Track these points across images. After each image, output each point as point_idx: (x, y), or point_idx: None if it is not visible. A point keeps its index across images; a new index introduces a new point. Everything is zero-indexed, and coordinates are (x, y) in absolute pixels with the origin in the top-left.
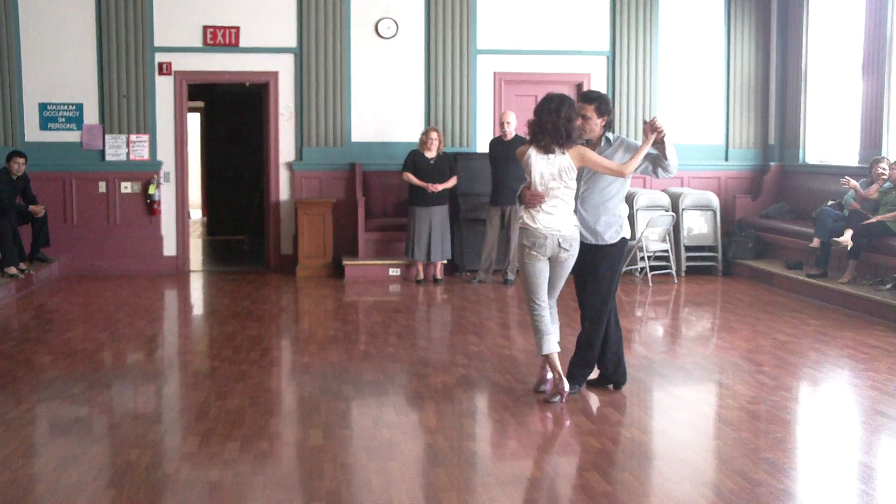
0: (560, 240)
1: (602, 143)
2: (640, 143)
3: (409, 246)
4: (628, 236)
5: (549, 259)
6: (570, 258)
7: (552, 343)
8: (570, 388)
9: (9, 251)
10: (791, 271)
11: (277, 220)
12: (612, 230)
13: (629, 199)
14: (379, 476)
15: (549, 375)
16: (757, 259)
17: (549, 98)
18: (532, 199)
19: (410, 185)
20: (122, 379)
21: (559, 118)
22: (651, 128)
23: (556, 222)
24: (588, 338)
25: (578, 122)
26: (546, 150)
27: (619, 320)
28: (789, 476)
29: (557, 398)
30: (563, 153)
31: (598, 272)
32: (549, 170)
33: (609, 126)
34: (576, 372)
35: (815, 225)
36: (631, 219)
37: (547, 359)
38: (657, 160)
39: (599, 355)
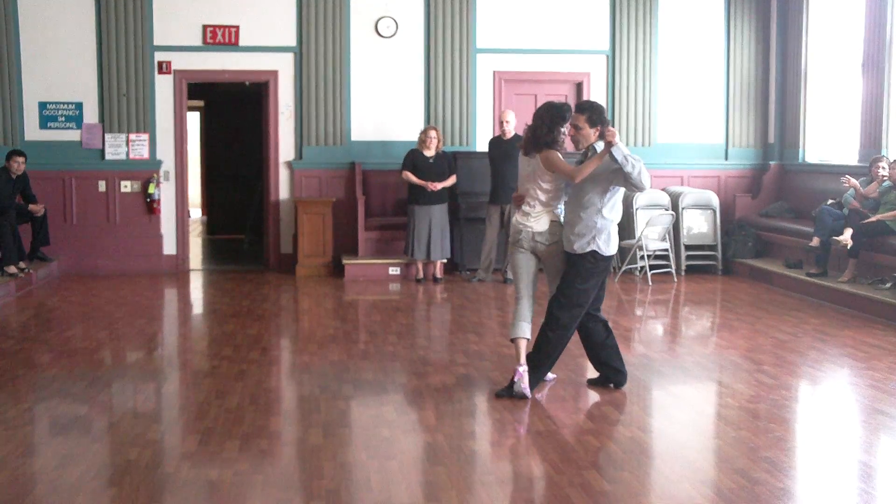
0: (534, 234)
1: (589, 153)
2: (631, 153)
3: (409, 245)
4: (607, 253)
5: (534, 254)
6: (554, 250)
7: (523, 329)
8: (515, 391)
9: (8, 250)
10: (791, 270)
11: (277, 218)
12: (583, 241)
13: (628, 199)
14: (378, 475)
15: (523, 368)
16: (757, 258)
17: (540, 105)
18: (515, 200)
19: (410, 184)
20: (122, 378)
21: (533, 122)
22: (605, 135)
23: (529, 220)
24: (539, 340)
25: (570, 131)
26: (526, 152)
27: (609, 322)
28: (789, 475)
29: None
30: (535, 156)
31: (565, 278)
32: (526, 171)
33: (600, 137)
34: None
35: (814, 224)
36: (630, 218)
37: (514, 342)
38: (628, 176)
39: (595, 358)
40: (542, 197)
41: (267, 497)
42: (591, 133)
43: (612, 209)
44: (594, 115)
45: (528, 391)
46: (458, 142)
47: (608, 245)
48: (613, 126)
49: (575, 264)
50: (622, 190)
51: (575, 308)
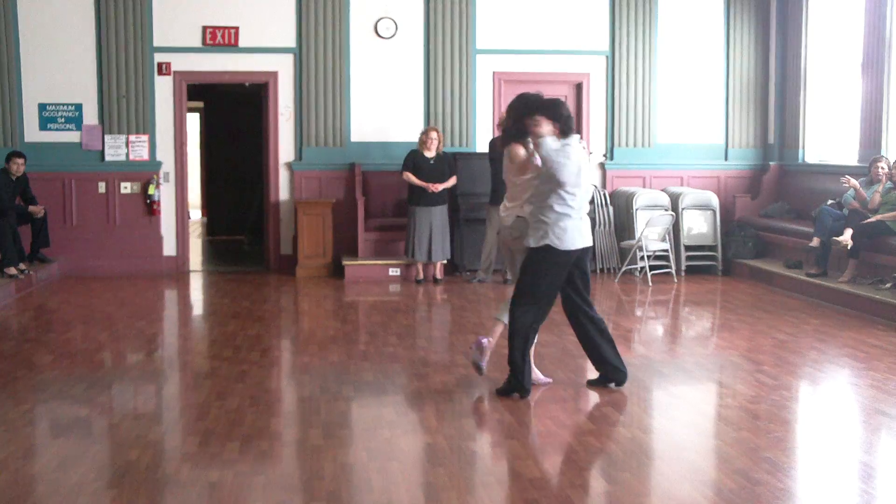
0: (505, 227)
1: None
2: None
3: (410, 246)
4: (562, 247)
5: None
6: (519, 246)
7: (503, 313)
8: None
9: (8, 252)
10: (791, 271)
11: (277, 220)
12: (537, 234)
13: (629, 199)
14: (379, 476)
15: (486, 340)
16: (757, 258)
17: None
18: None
19: (410, 185)
20: (122, 379)
21: (505, 115)
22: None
23: (504, 212)
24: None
25: (533, 127)
26: (502, 146)
27: (609, 322)
28: (789, 475)
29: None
30: (505, 150)
31: (521, 272)
32: (504, 165)
33: (566, 132)
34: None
35: (814, 224)
36: (630, 218)
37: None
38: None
39: (594, 357)
40: (512, 191)
41: (267, 498)
42: (549, 129)
43: (563, 203)
44: (550, 112)
45: (481, 363)
46: (458, 143)
47: (563, 239)
48: (616, 124)
49: (530, 258)
50: (576, 184)
51: (528, 304)
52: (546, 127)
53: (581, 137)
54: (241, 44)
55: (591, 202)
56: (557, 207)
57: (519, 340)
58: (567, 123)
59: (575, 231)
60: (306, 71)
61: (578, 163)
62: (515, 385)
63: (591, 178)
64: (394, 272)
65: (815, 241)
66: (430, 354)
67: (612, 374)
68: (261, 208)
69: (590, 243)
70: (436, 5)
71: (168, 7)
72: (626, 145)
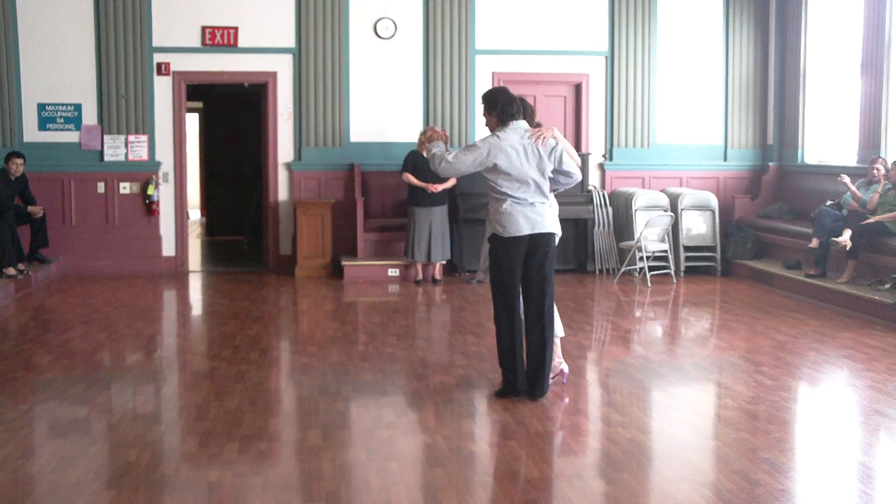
0: None
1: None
2: (438, 148)
3: (409, 246)
4: (505, 234)
5: None
6: None
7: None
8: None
9: (7, 252)
10: (790, 271)
11: (276, 220)
12: (490, 227)
13: (628, 199)
14: (378, 476)
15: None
16: (756, 259)
17: None
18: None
19: (410, 186)
20: (121, 379)
21: None
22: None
23: None
24: None
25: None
26: None
27: (531, 330)
28: (788, 476)
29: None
30: None
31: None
32: None
33: (503, 120)
34: None
35: (813, 225)
36: (629, 219)
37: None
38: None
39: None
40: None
41: (266, 498)
42: (491, 120)
43: (498, 189)
44: (486, 103)
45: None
46: (458, 143)
47: (504, 226)
48: (615, 125)
49: (489, 252)
50: (503, 172)
51: (500, 303)
52: (490, 120)
53: (560, 127)
54: (241, 44)
55: (591, 202)
56: (494, 195)
57: (504, 342)
58: (503, 111)
59: (519, 216)
60: (305, 71)
61: (489, 150)
62: (508, 387)
63: (546, 164)
64: (393, 273)
65: (815, 242)
66: (429, 355)
67: (529, 385)
68: (260, 209)
69: (544, 230)
70: (435, 6)
71: (167, 7)
72: (626, 146)
